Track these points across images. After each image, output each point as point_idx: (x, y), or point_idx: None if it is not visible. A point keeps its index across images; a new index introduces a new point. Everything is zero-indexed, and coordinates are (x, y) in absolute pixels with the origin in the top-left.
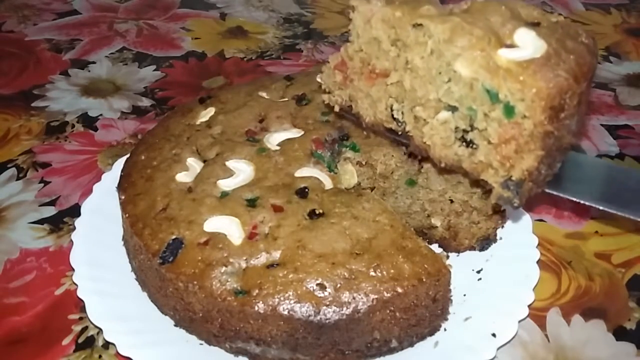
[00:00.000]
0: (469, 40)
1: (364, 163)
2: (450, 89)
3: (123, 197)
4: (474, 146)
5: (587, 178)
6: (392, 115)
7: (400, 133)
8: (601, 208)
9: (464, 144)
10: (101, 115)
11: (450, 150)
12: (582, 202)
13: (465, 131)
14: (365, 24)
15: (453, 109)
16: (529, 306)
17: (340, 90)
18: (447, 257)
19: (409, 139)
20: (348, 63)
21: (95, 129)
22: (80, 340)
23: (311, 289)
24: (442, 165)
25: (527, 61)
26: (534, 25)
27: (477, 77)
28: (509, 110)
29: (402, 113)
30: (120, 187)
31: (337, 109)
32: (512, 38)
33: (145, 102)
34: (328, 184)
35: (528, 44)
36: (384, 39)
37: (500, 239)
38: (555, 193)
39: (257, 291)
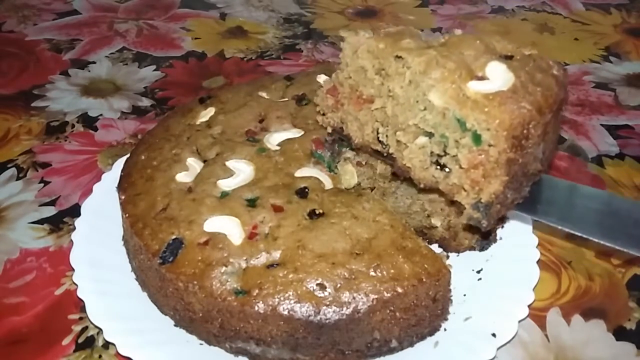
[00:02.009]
0: (442, 73)
1: (364, 163)
2: (426, 116)
3: (123, 197)
4: (448, 170)
5: (558, 201)
6: (378, 138)
7: (385, 154)
8: (567, 230)
9: (439, 167)
10: (101, 115)
11: (428, 172)
12: (552, 225)
13: (439, 156)
14: (353, 53)
15: (429, 134)
16: (529, 306)
17: (332, 113)
18: (447, 257)
19: (393, 160)
20: (339, 88)
21: (95, 129)
22: (80, 340)
23: (311, 289)
24: (422, 185)
25: (494, 93)
26: (507, 58)
27: (448, 107)
28: (477, 138)
29: (387, 136)
30: (120, 187)
31: (329, 130)
32: (483, 70)
33: (145, 102)
34: (328, 184)
35: (498, 76)
36: (369, 68)
37: (500, 239)
38: (525, 215)
39: (257, 291)
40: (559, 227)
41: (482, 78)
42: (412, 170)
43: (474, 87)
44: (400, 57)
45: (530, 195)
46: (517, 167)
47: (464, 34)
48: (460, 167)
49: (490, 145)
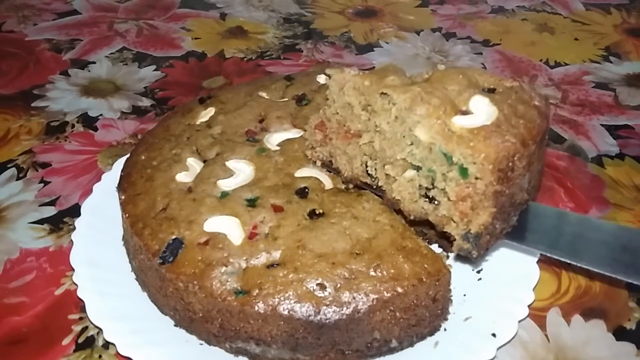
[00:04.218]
0: (427, 109)
1: None
2: (413, 151)
3: (123, 197)
4: (436, 202)
5: (545, 228)
6: (367, 171)
7: (374, 187)
8: (555, 257)
9: (428, 200)
10: (101, 115)
11: (417, 204)
12: (540, 252)
13: (427, 188)
14: (339, 90)
15: (417, 168)
16: (529, 306)
17: (321, 147)
18: (447, 257)
19: (383, 192)
20: (326, 124)
21: (95, 129)
22: (80, 340)
23: (311, 289)
24: (412, 217)
25: (478, 128)
26: (490, 91)
27: (434, 142)
28: (463, 172)
29: (375, 169)
30: (120, 187)
31: (319, 163)
32: (467, 105)
33: (145, 102)
34: (328, 184)
35: (481, 110)
36: (355, 105)
37: None
38: (515, 243)
39: (257, 291)
40: (548, 255)
41: (466, 112)
42: (402, 203)
43: (459, 122)
44: (385, 93)
45: (518, 224)
46: (504, 199)
47: (447, 68)
48: (449, 200)
49: (477, 179)
